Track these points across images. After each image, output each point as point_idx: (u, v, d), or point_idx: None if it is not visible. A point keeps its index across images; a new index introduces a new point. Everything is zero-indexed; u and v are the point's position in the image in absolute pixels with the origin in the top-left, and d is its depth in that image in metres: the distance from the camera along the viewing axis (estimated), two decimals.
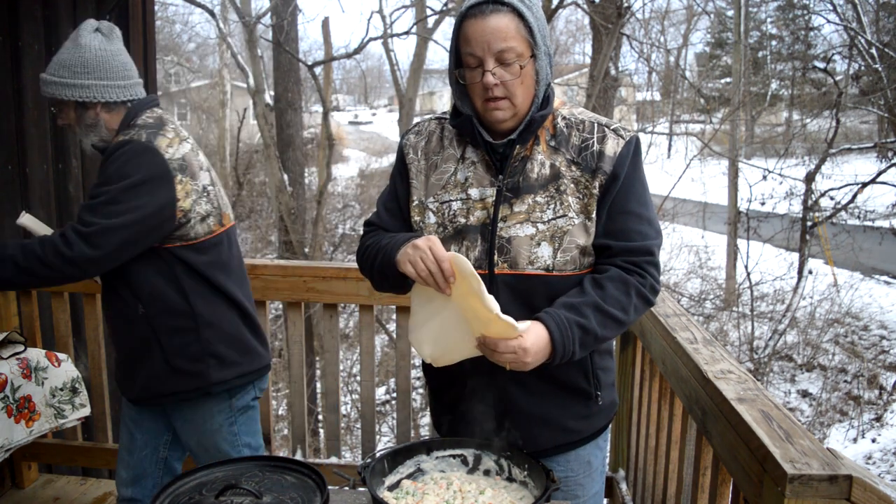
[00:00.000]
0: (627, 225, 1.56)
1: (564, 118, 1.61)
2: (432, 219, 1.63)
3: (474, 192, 1.60)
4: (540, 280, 1.55)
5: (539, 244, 1.55)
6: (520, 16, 1.48)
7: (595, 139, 1.57)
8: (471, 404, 1.65)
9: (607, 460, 1.84)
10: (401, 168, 1.72)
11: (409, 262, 1.47)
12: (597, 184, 1.55)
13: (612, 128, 1.59)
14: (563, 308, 1.49)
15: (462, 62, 1.54)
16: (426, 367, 1.75)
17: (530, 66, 1.51)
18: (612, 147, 1.56)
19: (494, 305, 1.39)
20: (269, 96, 11.02)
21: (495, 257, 1.56)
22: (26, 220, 2.24)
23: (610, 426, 1.82)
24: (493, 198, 1.58)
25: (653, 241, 1.58)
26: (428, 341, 1.57)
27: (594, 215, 1.56)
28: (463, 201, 1.61)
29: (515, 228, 1.56)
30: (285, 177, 10.36)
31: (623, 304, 1.52)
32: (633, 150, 1.58)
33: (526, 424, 1.63)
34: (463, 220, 1.60)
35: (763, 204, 10.93)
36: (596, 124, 1.60)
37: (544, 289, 1.55)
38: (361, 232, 1.78)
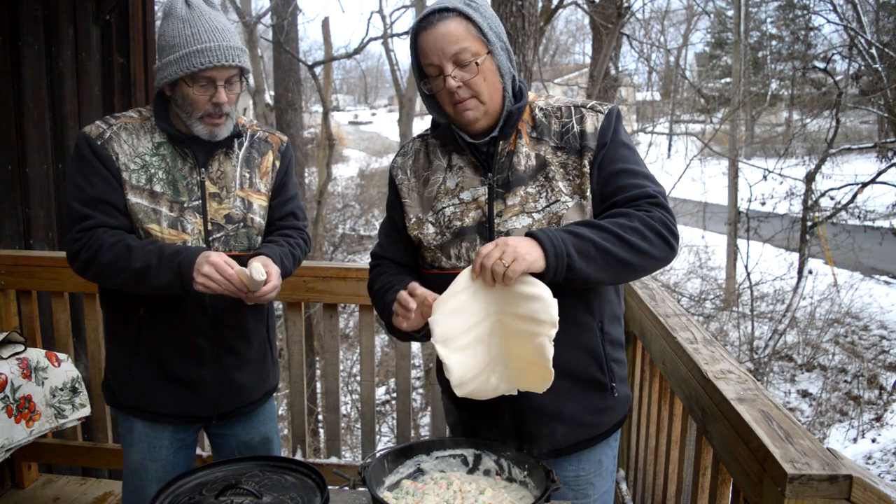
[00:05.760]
0: (622, 182, 1.55)
1: (542, 108, 1.65)
2: (430, 229, 1.66)
3: (466, 195, 1.63)
4: None
5: None
6: (467, 18, 1.53)
7: (574, 121, 1.60)
8: (486, 404, 1.65)
9: (616, 459, 1.84)
10: (392, 191, 1.77)
11: (397, 314, 1.54)
12: (586, 162, 1.57)
13: (588, 106, 1.63)
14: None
15: (425, 74, 1.58)
16: (440, 369, 1.74)
17: (488, 61, 1.55)
18: (592, 123, 1.59)
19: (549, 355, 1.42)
20: (269, 96, 11.02)
21: None
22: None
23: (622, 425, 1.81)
24: (486, 195, 1.61)
25: (654, 187, 1.55)
26: (451, 338, 1.49)
27: (589, 193, 1.57)
28: (456, 205, 1.63)
29: (512, 221, 1.58)
30: None
31: (622, 224, 1.46)
32: (614, 121, 1.60)
33: (542, 422, 1.63)
34: (459, 223, 1.62)
35: (763, 204, 10.94)
36: (572, 108, 1.63)
37: None
38: (368, 265, 1.85)
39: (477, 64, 1.53)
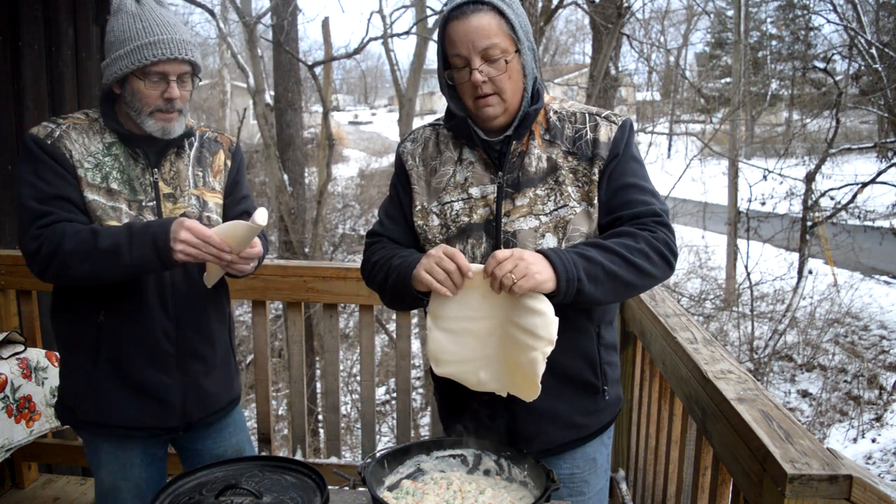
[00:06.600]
0: (629, 196, 1.57)
1: (556, 112, 1.64)
2: (435, 221, 1.65)
3: (475, 191, 1.62)
4: None
5: (543, 235, 1.56)
6: (500, 13, 1.52)
7: (588, 128, 1.60)
8: (478, 402, 1.65)
9: (610, 457, 1.85)
10: (401, 175, 1.74)
11: (426, 271, 1.47)
12: (596, 170, 1.57)
13: (603, 115, 1.63)
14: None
15: (450, 64, 1.56)
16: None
17: (515, 60, 1.54)
18: (606, 133, 1.59)
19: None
20: (269, 96, 11.01)
21: None
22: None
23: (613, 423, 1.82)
24: (495, 194, 1.60)
25: (659, 206, 1.57)
26: (448, 340, 1.54)
27: (596, 201, 1.58)
28: (464, 201, 1.63)
29: (519, 222, 1.58)
30: (285, 177, 10.36)
31: (629, 246, 1.49)
32: (627, 133, 1.61)
33: (534, 421, 1.64)
34: (466, 219, 1.62)
35: (763, 204, 10.93)
36: (587, 114, 1.63)
37: None
38: (364, 243, 1.80)
39: (506, 62, 1.52)
